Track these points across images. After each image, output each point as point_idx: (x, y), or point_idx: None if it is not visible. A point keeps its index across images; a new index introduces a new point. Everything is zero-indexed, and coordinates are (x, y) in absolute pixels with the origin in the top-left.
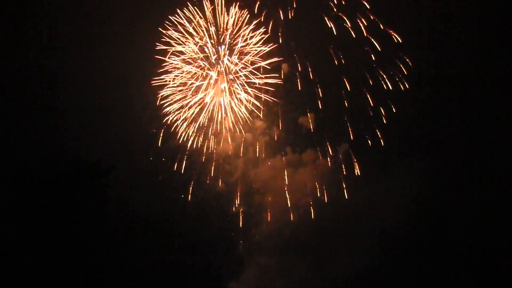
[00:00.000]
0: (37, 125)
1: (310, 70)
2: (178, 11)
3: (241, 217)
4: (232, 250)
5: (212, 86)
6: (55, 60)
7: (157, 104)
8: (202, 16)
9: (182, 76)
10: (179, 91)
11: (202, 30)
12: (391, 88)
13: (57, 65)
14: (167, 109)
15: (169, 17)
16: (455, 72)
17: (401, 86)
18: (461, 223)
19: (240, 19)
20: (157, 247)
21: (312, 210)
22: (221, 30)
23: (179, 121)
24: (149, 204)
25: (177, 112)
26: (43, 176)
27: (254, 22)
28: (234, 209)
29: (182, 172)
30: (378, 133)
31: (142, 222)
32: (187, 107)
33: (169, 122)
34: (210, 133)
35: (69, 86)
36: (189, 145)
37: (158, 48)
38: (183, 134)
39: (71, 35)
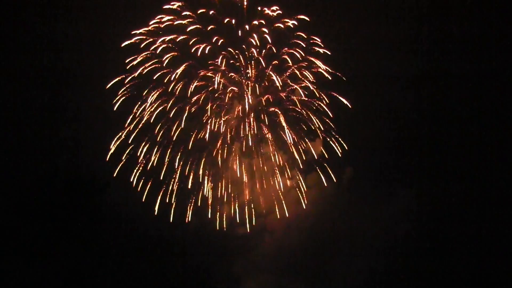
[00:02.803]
0: (32, 143)
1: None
2: None
3: (241, 238)
4: (229, 269)
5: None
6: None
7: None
8: None
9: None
10: None
11: None
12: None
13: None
14: None
15: None
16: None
17: None
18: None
19: None
20: (153, 267)
21: (312, 231)
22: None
23: None
24: (147, 224)
25: None
26: (38, 194)
27: None
28: (235, 231)
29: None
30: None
31: (138, 241)
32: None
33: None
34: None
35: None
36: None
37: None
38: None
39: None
